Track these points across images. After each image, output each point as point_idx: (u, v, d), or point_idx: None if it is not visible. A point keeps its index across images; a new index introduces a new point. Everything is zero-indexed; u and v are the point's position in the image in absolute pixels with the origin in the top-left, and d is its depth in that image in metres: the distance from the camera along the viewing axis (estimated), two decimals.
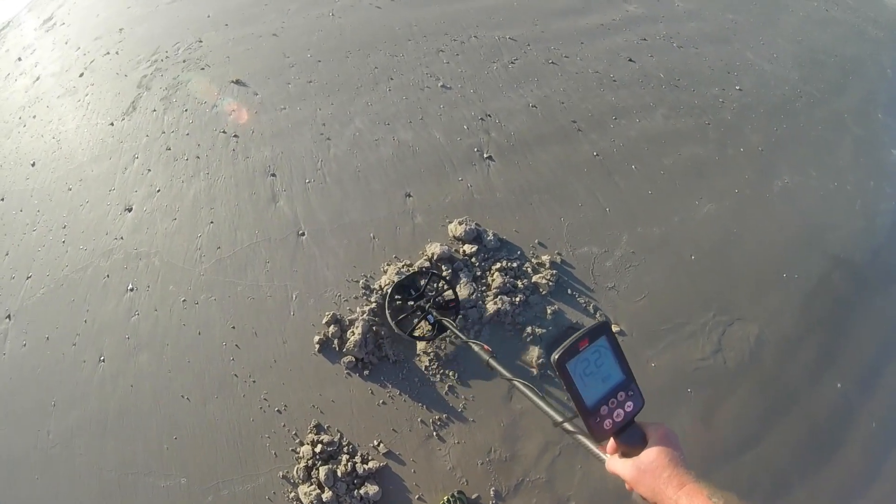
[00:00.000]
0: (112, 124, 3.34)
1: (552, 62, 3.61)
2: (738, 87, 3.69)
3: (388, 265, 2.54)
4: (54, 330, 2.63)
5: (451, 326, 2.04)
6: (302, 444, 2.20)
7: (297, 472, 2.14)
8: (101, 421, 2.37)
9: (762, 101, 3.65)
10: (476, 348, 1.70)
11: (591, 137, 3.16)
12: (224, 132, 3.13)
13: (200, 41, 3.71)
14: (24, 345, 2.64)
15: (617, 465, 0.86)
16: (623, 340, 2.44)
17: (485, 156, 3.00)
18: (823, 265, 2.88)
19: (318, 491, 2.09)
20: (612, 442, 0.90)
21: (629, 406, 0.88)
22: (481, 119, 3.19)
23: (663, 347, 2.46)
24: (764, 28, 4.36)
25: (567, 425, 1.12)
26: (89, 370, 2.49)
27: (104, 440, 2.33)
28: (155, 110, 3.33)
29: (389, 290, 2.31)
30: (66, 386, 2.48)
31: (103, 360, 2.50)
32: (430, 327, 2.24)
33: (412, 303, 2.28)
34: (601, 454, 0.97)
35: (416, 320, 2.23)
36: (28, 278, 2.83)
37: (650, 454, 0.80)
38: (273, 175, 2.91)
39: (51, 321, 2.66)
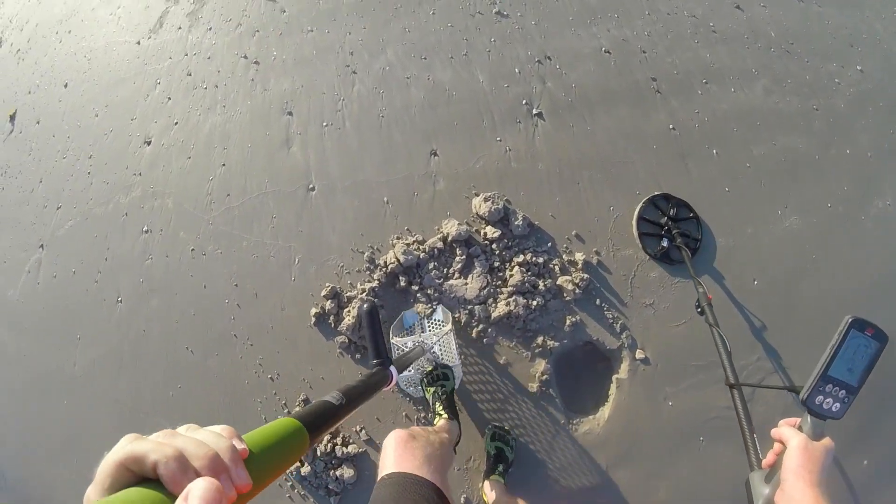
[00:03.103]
0: (138, 43, 3.12)
1: None
2: (859, 68, 2.74)
3: (397, 238, 2.27)
4: (80, 264, 2.70)
5: (685, 259, 2.01)
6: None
7: None
8: (117, 359, 2.50)
9: (884, 92, 2.70)
10: (700, 290, 1.76)
11: (670, 104, 2.51)
12: (245, 57, 2.82)
13: None
14: (55, 276, 2.75)
15: (790, 432, 0.92)
16: (644, 370, 2.10)
17: (534, 111, 2.49)
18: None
19: (298, 464, 2.09)
20: (783, 425, 0.97)
21: (836, 407, 0.92)
22: (538, 62, 2.61)
23: (687, 386, 2.10)
24: None
25: (735, 392, 1.26)
26: (108, 309, 2.57)
27: (119, 378, 2.47)
28: (180, 28, 3.05)
29: (654, 195, 2.29)
30: (89, 321, 2.60)
31: (120, 301, 2.56)
32: (662, 248, 2.21)
33: (665, 220, 2.25)
34: (755, 445, 1.09)
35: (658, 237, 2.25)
36: (58, 208, 2.87)
37: (823, 447, 0.88)
38: (289, 114, 2.62)
39: (77, 255, 2.72)
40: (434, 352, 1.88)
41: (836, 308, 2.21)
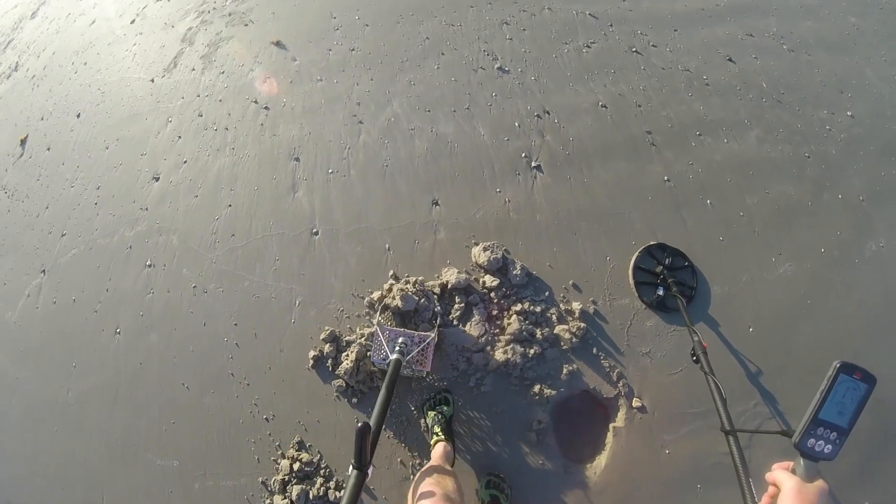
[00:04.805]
0: (152, 81, 3.25)
1: (636, 51, 2.97)
2: (849, 113, 2.86)
3: (394, 279, 2.31)
4: (80, 293, 2.73)
5: (680, 307, 2.03)
6: (283, 456, 2.17)
7: (274, 482, 2.14)
8: (112, 391, 2.50)
9: (874, 135, 2.81)
10: (695, 338, 1.77)
11: (665, 156, 2.60)
12: (256, 102, 2.93)
13: None
14: (55, 302, 2.78)
15: (783, 475, 0.94)
16: (641, 418, 2.10)
17: (533, 164, 2.58)
18: (892, 368, 2.22)
19: None
20: (777, 469, 0.99)
21: (828, 448, 0.95)
22: (537, 116, 2.73)
23: (685, 433, 2.09)
24: (889, 40, 3.29)
25: (731, 438, 1.29)
26: (106, 340, 2.58)
27: (114, 410, 2.47)
28: (194, 69, 3.19)
29: (650, 245, 2.35)
30: (86, 351, 2.61)
31: (119, 333, 2.57)
32: (658, 297, 2.24)
33: (660, 269, 2.29)
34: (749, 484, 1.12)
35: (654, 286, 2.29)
36: (63, 236, 2.93)
37: (816, 489, 0.90)
38: (297, 159, 2.71)
39: (78, 283, 2.76)
40: (411, 356, 1.97)
41: (832, 352, 2.23)
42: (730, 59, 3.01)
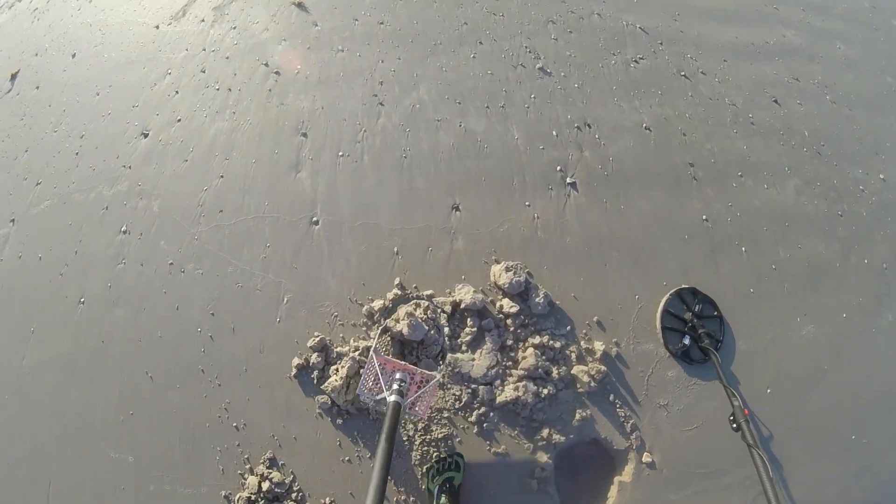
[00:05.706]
0: (157, 27, 2.93)
1: (684, 75, 2.76)
2: (882, 177, 2.75)
3: (399, 290, 2.06)
4: (48, 251, 2.44)
5: (716, 365, 1.90)
6: (252, 472, 1.93)
7: (239, 499, 1.89)
8: (70, 367, 2.22)
9: None
10: (735, 403, 1.62)
11: (706, 193, 2.41)
12: (266, 65, 2.62)
13: None
14: (20, 257, 2.49)
15: None
16: (649, 474, 1.93)
17: (568, 180, 2.35)
18: (892, 445, 2.14)
19: None
20: None
21: None
22: (577, 127, 2.49)
23: (690, 495, 1.93)
24: None
25: None
26: (69, 308, 2.30)
27: (70, 388, 2.20)
28: (203, 20, 2.86)
29: (682, 288, 2.17)
30: (47, 316, 2.33)
31: (83, 303, 2.29)
32: (683, 346, 2.07)
33: (689, 316, 2.12)
34: None
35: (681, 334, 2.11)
36: (38, 184, 2.63)
37: None
38: (304, 135, 2.42)
39: (46, 240, 2.47)
40: (407, 401, 1.65)
41: (840, 423, 2.12)
42: (775, 101, 2.84)
